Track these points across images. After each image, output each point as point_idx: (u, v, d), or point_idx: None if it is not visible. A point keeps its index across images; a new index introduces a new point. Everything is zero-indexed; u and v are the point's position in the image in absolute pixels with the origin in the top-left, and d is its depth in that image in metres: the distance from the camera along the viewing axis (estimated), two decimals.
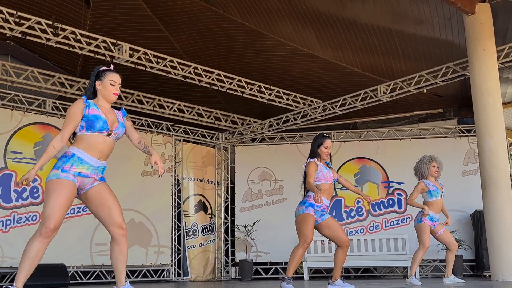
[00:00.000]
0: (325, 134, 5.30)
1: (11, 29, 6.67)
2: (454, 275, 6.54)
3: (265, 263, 10.99)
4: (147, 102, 10.11)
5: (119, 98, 9.72)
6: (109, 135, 3.45)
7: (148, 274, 10.15)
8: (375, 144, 11.10)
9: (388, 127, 11.56)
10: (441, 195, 6.31)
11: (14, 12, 6.55)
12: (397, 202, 10.72)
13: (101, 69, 3.60)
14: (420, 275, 9.51)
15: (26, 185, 3.37)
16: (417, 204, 6.27)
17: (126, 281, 3.61)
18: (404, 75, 9.37)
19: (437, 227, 6.26)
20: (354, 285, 5.33)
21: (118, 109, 3.73)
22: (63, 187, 3.29)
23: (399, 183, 10.73)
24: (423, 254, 6.19)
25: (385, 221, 10.68)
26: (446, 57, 9.02)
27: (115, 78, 3.57)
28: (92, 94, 3.58)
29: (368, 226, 10.72)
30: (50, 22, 6.85)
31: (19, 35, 6.74)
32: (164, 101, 10.31)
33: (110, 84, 3.54)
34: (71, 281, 8.58)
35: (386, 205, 10.75)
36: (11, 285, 3.25)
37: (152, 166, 3.56)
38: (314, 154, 5.19)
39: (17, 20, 6.61)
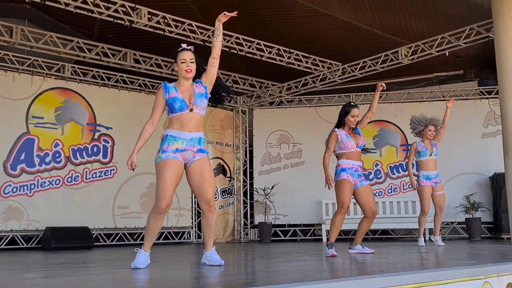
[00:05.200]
0: (352, 103, 5.38)
1: None
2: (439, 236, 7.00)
3: (283, 225, 11.15)
4: (165, 66, 10.08)
5: (137, 62, 9.71)
6: (191, 110, 3.72)
7: (169, 236, 10.37)
8: (394, 107, 11.01)
9: (407, 89, 11.43)
10: (430, 155, 6.76)
11: None
12: (416, 165, 10.68)
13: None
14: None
15: (133, 169, 3.75)
16: (410, 173, 6.82)
17: (213, 247, 3.97)
18: (425, 36, 9.18)
19: (437, 187, 6.73)
20: (373, 248, 5.42)
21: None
22: (167, 167, 3.64)
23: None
24: (424, 217, 6.69)
25: (403, 183, 10.69)
26: (468, 18, 8.79)
27: (185, 55, 3.81)
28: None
29: (386, 189, 10.76)
30: None
31: (39, 0, 6.71)
32: None
33: (181, 62, 3.81)
34: (95, 243, 8.81)
35: (405, 167, 10.72)
36: (139, 249, 3.83)
37: None
38: (340, 123, 5.27)
39: None
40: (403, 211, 10.30)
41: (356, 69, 9.97)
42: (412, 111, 10.77)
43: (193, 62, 3.82)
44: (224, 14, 3.91)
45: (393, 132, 10.93)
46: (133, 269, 3.66)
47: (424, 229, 7.21)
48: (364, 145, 5.43)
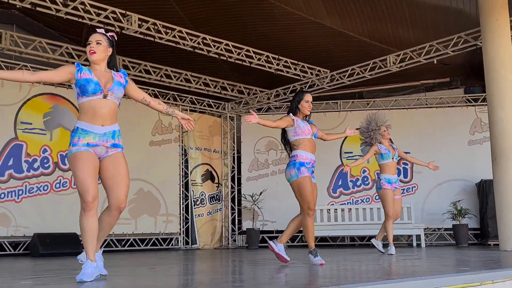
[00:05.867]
0: (304, 90, 5.17)
1: (21, 0, 6.60)
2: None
3: (271, 232, 11.16)
4: (154, 72, 10.08)
5: (126, 68, 9.67)
6: (105, 96, 3.42)
7: (157, 242, 10.32)
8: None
9: (394, 96, 11.56)
10: (392, 157, 6.58)
11: None
12: (403, 172, 10.81)
13: None
14: (424, 243, 9.68)
15: None
16: (358, 161, 6.70)
17: (100, 249, 3.70)
18: (413, 44, 9.31)
19: (395, 192, 6.55)
20: (360, 255, 5.37)
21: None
22: (81, 159, 3.34)
23: (406, 153, 10.74)
24: (391, 222, 6.44)
25: None
26: (455, 27, 8.94)
27: (91, 37, 3.51)
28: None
29: (374, 195, 10.83)
30: None
31: (29, 6, 6.68)
32: (171, 71, 10.28)
33: (87, 45, 3.51)
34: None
35: None
36: (83, 260, 3.42)
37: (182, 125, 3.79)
38: (293, 110, 4.99)
39: None
40: None
41: (344, 76, 10.07)
42: (399, 118, 10.96)
43: (100, 44, 3.47)
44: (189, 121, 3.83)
45: None
46: (79, 282, 3.24)
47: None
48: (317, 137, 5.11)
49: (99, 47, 3.47)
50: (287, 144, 5.03)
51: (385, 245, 6.61)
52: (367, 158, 6.62)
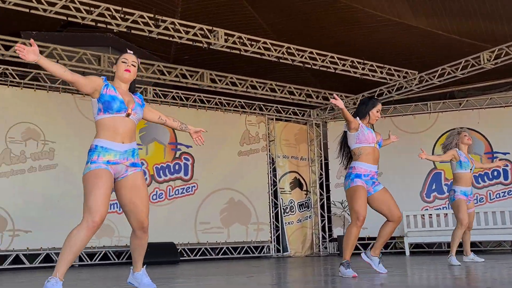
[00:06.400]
0: (376, 98, 5.01)
1: (117, 25, 7.06)
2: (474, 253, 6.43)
3: (363, 239, 10.93)
4: (240, 83, 10.31)
5: (213, 81, 9.99)
6: (128, 115, 3.40)
7: (249, 250, 10.50)
8: (476, 113, 10.59)
9: (489, 94, 10.97)
10: (471, 169, 6.18)
11: (120, 8, 6.92)
12: (503, 173, 10.22)
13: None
14: None
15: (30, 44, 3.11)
16: (434, 157, 6.67)
17: (143, 267, 3.69)
18: (508, 40, 8.80)
19: (470, 204, 6.21)
20: (459, 261, 5.12)
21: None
22: (98, 177, 3.25)
23: (505, 153, 10.21)
24: (462, 231, 6.05)
25: (490, 193, 10.23)
26: None
27: (127, 56, 3.55)
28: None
29: (472, 199, 10.31)
30: (152, 15, 7.16)
31: (125, 30, 7.13)
32: (257, 82, 10.47)
33: (122, 62, 3.52)
34: (174, 259, 9.06)
35: (491, 176, 10.27)
36: (52, 278, 3.10)
37: (194, 139, 3.91)
38: (362, 115, 4.79)
39: (122, 15, 6.98)
40: (491, 222, 9.82)
41: (434, 76, 9.72)
42: (496, 117, 10.39)
43: (134, 66, 3.55)
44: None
45: (477, 139, 10.49)
46: None
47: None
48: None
49: (134, 69, 3.55)
50: (345, 150, 4.87)
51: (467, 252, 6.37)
52: (442, 159, 6.37)
